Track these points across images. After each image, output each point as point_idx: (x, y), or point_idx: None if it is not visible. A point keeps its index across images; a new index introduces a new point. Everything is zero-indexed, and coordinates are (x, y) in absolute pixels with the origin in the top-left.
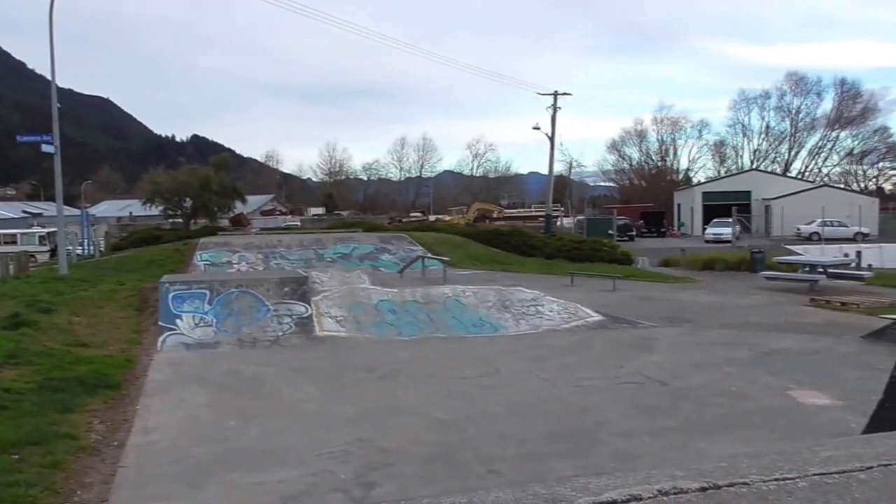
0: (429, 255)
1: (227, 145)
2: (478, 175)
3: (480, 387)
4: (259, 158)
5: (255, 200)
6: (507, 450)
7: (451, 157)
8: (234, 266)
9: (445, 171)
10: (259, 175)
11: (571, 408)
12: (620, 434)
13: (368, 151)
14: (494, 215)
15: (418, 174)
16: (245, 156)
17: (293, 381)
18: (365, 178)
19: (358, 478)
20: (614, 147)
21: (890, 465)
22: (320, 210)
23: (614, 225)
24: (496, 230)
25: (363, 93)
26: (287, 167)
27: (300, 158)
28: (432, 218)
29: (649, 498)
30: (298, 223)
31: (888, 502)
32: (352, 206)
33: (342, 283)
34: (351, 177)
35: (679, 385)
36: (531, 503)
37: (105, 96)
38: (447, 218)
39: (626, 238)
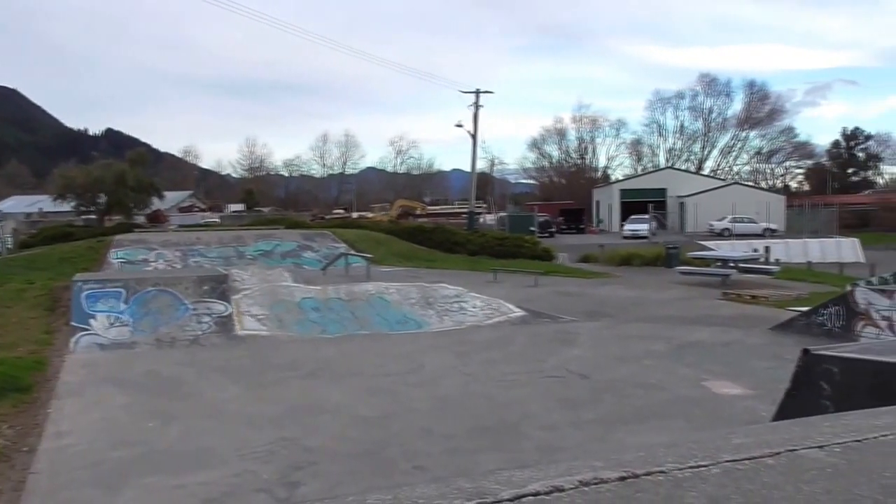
0: (352, 252)
1: (143, 140)
2: (401, 172)
3: (405, 383)
4: (177, 153)
5: (172, 197)
6: (432, 445)
7: (374, 154)
8: (151, 264)
9: (368, 168)
10: (177, 171)
11: (495, 402)
12: (543, 427)
13: (290, 147)
14: (418, 212)
15: (341, 171)
16: (162, 151)
17: (214, 381)
18: (286, 175)
19: (282, 477)
20: (535, 145)
21: (795, 450)
22: (240, 207)
23: (535, 222)
24: (420, 227)
25: (284, 88)
26: (206, 163)
27: (219, 154)
28: (355, 215)
29: (571, 489)
30: (218, 220)
31: (794, 485)
32: (273, 202)
33: (263, 282)
34: (272, 173)
35: (600, 378)
36: (456, 497)
37: (12, 87)
38: (370, 215)
39: (546, 235)
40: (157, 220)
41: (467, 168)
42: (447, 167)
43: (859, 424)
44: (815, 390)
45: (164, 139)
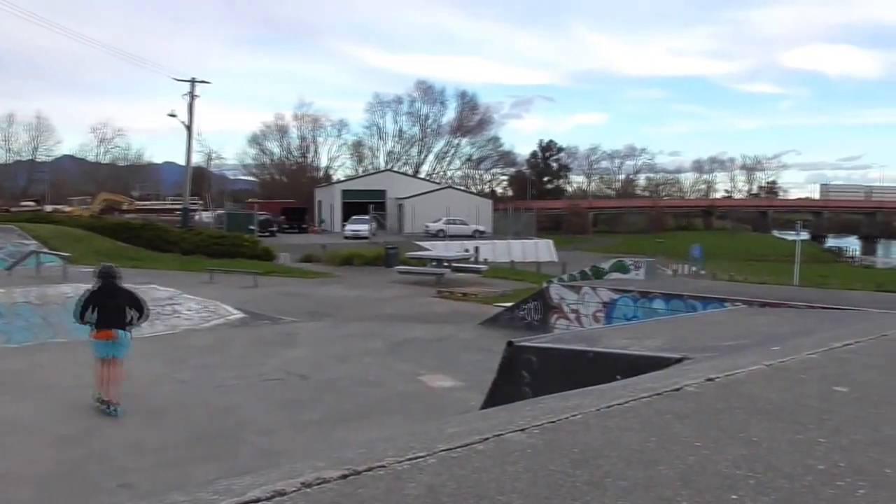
0: (45, 250)
1: None
2: (105, 162)
3: None
4: None
5: None
6: (141, 460)
7: (72, 141)
8: None
9: (65, 156)
10: None
11: (213, 409)
12: (264, 431)
13: None
14: (124, 207)
15: (31, 157)
16: None
17: None
18: None
19: None
20: (256, 141)
21: (502, 434)
22: None
23: (256, 220)
24: (126, 223)
25: None
26: None
27: None
28: (49, 208)
29: (293, 491)
30: None
31: (500, 468)
32: None
33: None
34: None
35: (321, 378)
36: None
37: None
38: (68, 209)
39: (267, 234)
40: None
41: (182, 161)
42: (159, 159)
43: (554, 407)
44: (517, 378)
45: None
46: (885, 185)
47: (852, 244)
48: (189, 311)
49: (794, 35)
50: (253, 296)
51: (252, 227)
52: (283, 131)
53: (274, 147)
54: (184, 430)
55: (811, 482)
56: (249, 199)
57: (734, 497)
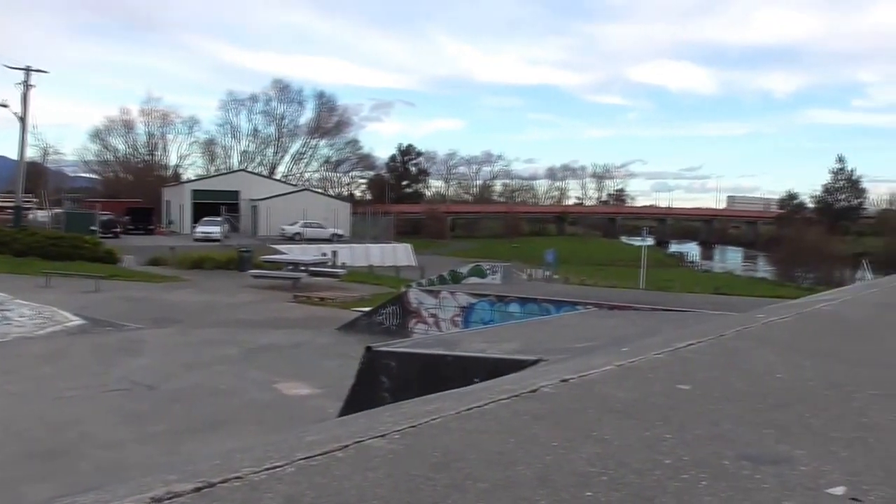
0: None
1: None
2: None
3: None
4: None
5: None
6: None
7: None
8: None
9: None
10: None
11: (50, 423)
12: (107, 445)
13: None
14: None
15: None
16: None
17: None
18: None
19: None
20: (98, 136)
21: (362, 441)
22: None
23: (98, 220)
24: None
25: None
26: None
27: None
28: None
29: None
30: None
31: (361, 474)
32: None
33: None
34: None
35: (169, 387)
36: None
37: None
38: None
39: (111, 235)
40: None
41: (13, 156)
42: None
43: (414, 411)
44: (376, 384)
45: None
46: (773, 197)
47: (693, 249)
48: (21, 317)
49: (639, 50)
50: (94, 301)
51: (94, 228)
52: (129, 127)
53: (119, 143)
54: (16, 445)
55: (659, 476)
56: (91, 198)
57: (589, 494)
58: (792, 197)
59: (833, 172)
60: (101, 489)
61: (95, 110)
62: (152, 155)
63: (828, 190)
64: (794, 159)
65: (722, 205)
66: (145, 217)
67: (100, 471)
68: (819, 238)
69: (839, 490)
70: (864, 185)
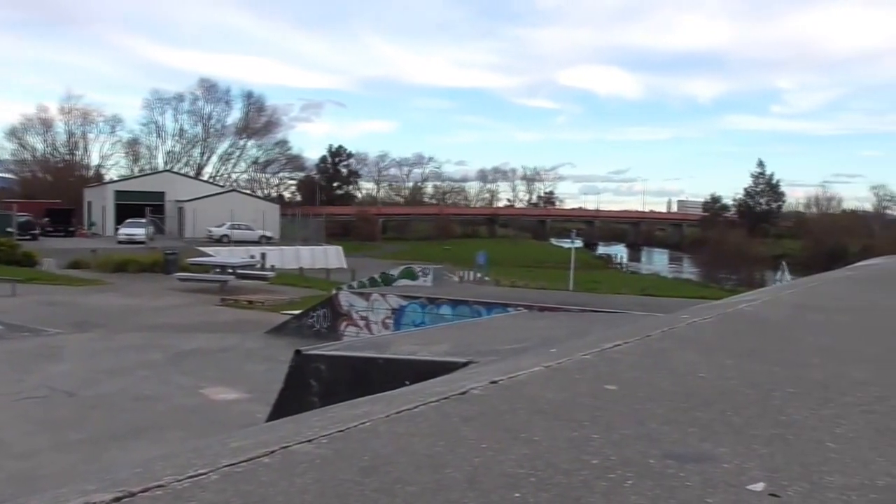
0: None
1: None
2: None
3: None
4: None
5: None
6: None
7: None
8: None
9: None
10: None
11: None
12: (21, 455)
13: None
14: None
15: None
16: None
17: None
18: None
19: None
20: (14, 134)
21: (289, 446)
22: None
23: (14, 222)
24: None
25: None
26: None
27: None
28: None
29: None
30: None
31: (288, 480)
32: None
33: None
34: None
35: (89, 394)
36: None
37: None
38: None
39: (28, 237)
40: None
41: None
42: None
43: (343, 415)
44: (305, 388)
45: None
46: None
47: (620, 251)
48: None
49: (568, 55)
50: (10, 305)
51: (10, 230)
52: (47, 125)
53: (37, 142)
54: None
55: (586, 476)
56: (8, 199)
57: (517, 495)
58: (715, 200)
59: (754, 176)
60: (11, 501)
61: (11, 107)
62: (73, 154)
63: (749, 193)
64: (717, 163)
65: (649, 207)
66: (65, 218)
67: (13, 482)
68: (741, 240)
69: (759, 486)
70: (783, 188)
